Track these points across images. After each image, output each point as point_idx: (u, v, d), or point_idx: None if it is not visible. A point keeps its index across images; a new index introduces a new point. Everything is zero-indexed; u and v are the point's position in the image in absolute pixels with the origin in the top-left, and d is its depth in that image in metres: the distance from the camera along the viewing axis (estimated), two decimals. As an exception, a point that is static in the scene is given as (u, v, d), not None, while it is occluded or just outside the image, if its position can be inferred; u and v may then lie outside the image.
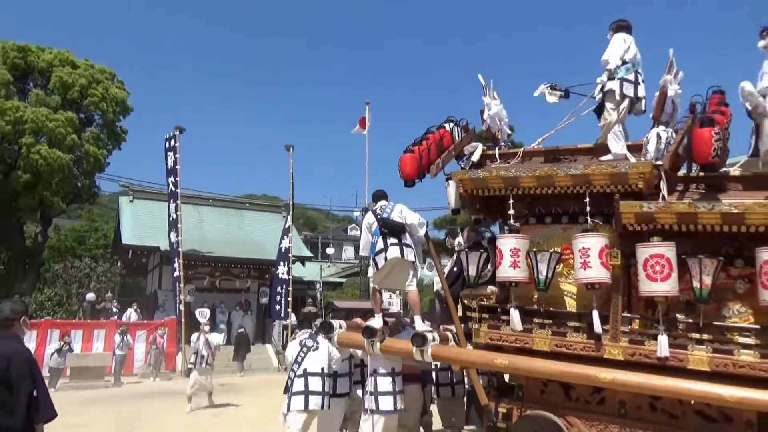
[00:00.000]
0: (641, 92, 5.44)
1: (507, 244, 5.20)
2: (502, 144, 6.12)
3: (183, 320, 17.68)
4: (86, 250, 31.21)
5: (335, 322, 6.22)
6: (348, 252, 46.21)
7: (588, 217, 5.02)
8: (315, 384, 5.62)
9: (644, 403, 4.74)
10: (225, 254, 21.89)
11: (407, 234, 5.88)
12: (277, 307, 19.45)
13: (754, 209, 4.23)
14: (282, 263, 19.64)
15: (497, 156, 5.95)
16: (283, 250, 19.75)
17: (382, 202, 6.05)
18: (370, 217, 6.05)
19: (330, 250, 36.80)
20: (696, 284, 4.38)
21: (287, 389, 5.80)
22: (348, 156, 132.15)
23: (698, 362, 4.38)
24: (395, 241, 5.76)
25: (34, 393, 3.40)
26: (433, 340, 5.43)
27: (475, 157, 6.08)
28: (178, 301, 18.18)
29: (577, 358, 4.85)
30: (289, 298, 19.08)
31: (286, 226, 20.19)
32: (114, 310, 19.63)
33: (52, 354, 14.71)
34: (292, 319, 19.35)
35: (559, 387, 5.18)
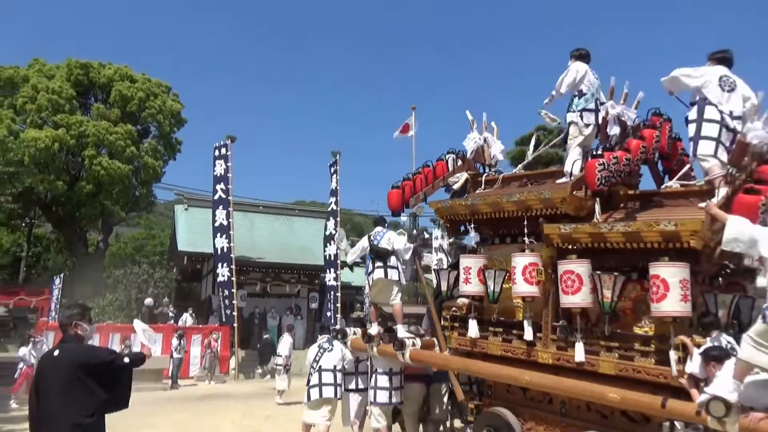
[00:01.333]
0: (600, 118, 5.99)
1: (463, 263, 6.14)
2: (492, 171, 6.89)
3: (236, 325, 18.13)
4: (144, 256, 32.45)
5: (349, 330, 7.59)
6: (396, 257, 46.09)
7: (525, 238, 5.72)
8: (328, 378, 6.97)
9: (582, 404, 5.24)
10: (275, 260, 22.31)
11: (394, 257, 6.90)
12: (328, 313, 19.68)
13: (644, 228, 4.78)
14: (330, 269, 19.85)
15: (483, 182, 6.80)
16: (330, 257, 19.93)
17: (378, 228, 7.15)
18: (365, 241, 7.16)
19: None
20: (600, 297, 4.91)
21: (308, 383, 7.15)
22: (395, 161, 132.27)
23: (606, 367, 4.86)
24: (381, 264, 6.84)
25: (116, 382, 3.80)
26: (413, 345, 6.45)
27: (457, 186, 7.08)
28: (223, 305, 18.61)
29: (518, 362, 5.56)
30: (338, 304, 19.25)
31: (327, 233, 20.36)
32: (171, 314, 20.32)
33: (114, 357, 15.34)
34: (343, 324, 19.53)
35: (518, 387, 5.73)
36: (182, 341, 16.43)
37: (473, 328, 6.02)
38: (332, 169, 20.73)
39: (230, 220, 19.26)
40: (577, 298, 5.05)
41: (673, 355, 4.42)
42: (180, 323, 19.19)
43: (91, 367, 3.68)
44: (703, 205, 4.70)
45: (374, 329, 6.97)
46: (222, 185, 19.65)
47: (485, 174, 6.92)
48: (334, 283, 19.50)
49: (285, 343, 13.05)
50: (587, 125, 6.02)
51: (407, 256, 7.16)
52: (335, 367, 7.06)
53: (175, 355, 16.05)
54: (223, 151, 19.89)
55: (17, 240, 31.86)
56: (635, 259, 4.98)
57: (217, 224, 19.44)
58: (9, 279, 30.55)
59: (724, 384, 3.72)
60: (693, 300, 4.55)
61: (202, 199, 26.46)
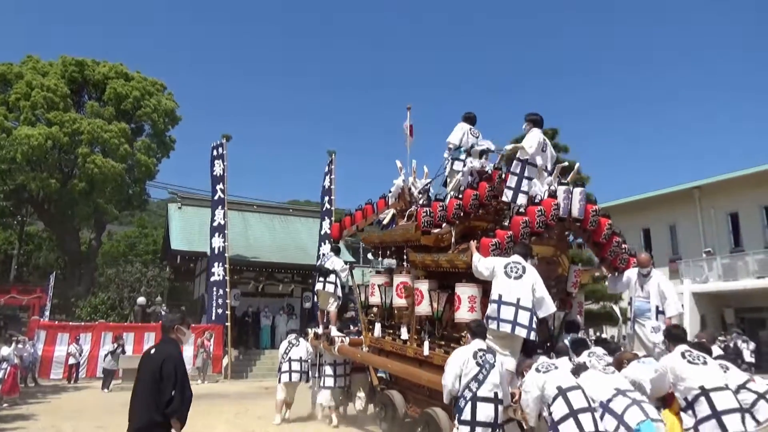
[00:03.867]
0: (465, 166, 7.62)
1: (371, 280, 8.51)
2: (415, 207, 8.09)
3: (229, 324, 18.10)
4: (137, 255, 32.34)
5: (311, 331, 10.30)
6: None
7: (404, 263, 7.83)
8: (295, 366, 9.36)
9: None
10: (269, 259, 22.28)
11: (333, 275, 9.44)
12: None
13: (455, 257, 6.55)
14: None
15: (406, 216, 8.32)
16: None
17: (327, 250, 10.14)
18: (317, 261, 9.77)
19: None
20: (434, 306, 6.78)
21: (280, 370, 9.52)
22: (390, 160, 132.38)
23: (438, 359, 6.42)
24: (322, 279, 9.51)
25: (173, 393, 3.94)
26: (341, 342, 8.83)
27: (386, 220, 8.85)
28: (216, 305, 18.58)
29: (399, 356, 7.49)
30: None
31: (323, 232, 20.34)
32: (163, 313, 20.24)
33: (106, 355, 15.27)
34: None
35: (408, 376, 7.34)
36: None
37: (377, 330, 8.21)
38: (327, 168, 20.72)
39: (225, 219, 19.24)
40: (421, 309, 6.92)
41: None
42: (173, 322, 19.11)
43: (167, 374, 4.00)
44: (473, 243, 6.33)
45: (321, 330, 9.62)
46: (221, 185, 19.67)
47: (408, 210, 8.37)
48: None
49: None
50: (455, 172, 7.80)
51: (343, 275, 9.56)
52: (301, 358, 9.44)
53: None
54: (220, 150, 19.87)
55: (9, 238, 31.66)
56: (458, 279, 6.53)
57: (215, 224, 19.44)
58: (0, 277, 30.35)
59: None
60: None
61: (196, 197, 26.39)
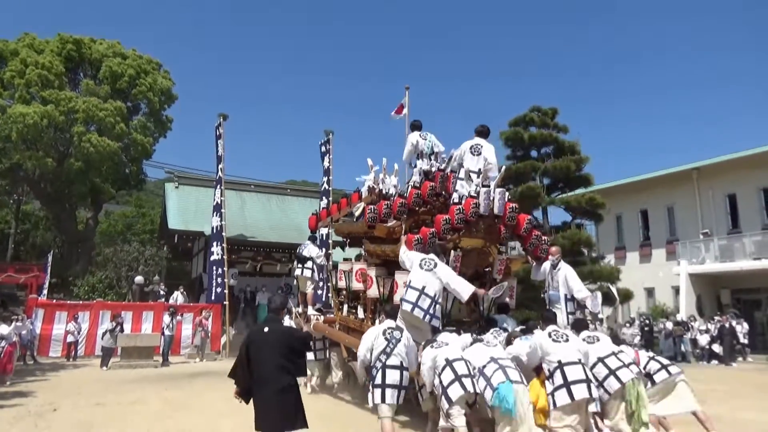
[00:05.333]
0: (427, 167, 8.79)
1: (339, 267, 9.90)
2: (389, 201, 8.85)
3: (227, 303, 18.15)
4: (134, 234, 32.26)
5: (293, 309, 10.99)
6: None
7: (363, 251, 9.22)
8: None
9: None
10: (267, 239, 22.26)
11: (310, 262, 10.50)
12: (319, 291, 19.71)
13: (390, 249, 7.87)
14: (322, 249, 19.80)
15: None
16: (322, 236, 19.88)
17: (307, 242, 10.85)
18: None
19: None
20: (380, 290, 8.03)
21: None
22: (386, 141, 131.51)
23: None
24: (300, 265, 10.63)
25: (299, 360, 4.81)
26: (316, 319, 9.87)
27: (357, 213, 9.87)
28: (215, 284, 18.61)
29: (358, 332, 8.07)
30: (329, 283, 19.23)
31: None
32: (161, 292, 20.27)
33: (104, 334, 15.29)
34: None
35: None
36: (173, 319, 16.42)
37: (344, 310, 9.43)
38: (324, 149, 20.62)
39: (223, 198, 19.19)
40: (371, 292, 8.21)
41: None
42: (171, 301, 19.16)
43: (291, 345, 4.78)
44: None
45: (300, 309, 10.80)
46: (221, 165, 19.61)
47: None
48: (325, 263, 19.47)
49: None
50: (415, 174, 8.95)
51: (319, 261, 10.72)
52: None
53: (166, 332, 16.05)
54: (219, 130, 19.75)
55: (5, 217, 31.53)
56: (399, 267, 7.40)
57: (215, 203, 19.42)
58: (-3, 256, 30.29)
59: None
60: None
61: (193, 177, 26.28)
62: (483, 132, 8.38)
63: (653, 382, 6.34)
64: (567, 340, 5.64)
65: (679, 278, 22.10)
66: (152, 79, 24.81)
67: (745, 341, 19.00)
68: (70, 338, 16.30)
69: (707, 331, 19.24)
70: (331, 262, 14.03)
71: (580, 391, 5.27)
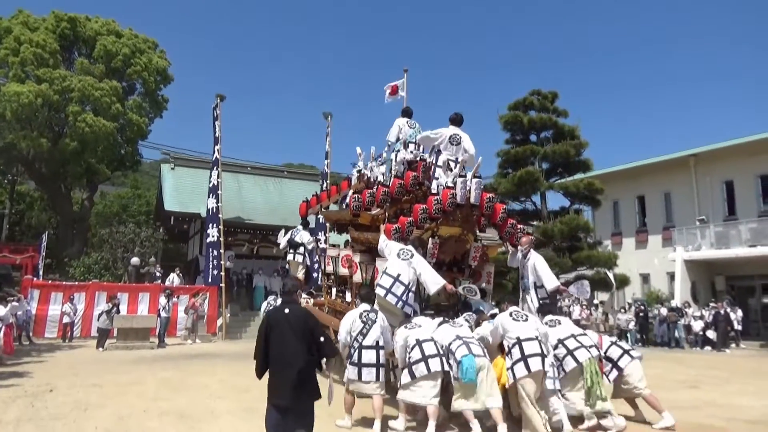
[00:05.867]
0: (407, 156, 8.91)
1: (327, 252, 10.11)
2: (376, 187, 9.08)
3: (223, 285, 18.13)
4: (130, 216, 32.11)
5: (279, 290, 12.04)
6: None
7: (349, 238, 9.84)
8: None
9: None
10: (263, 221, 22.18)
11: (302, 247, 11.00)
12: (315, 274, 19.72)
13: (372, 237, 8.15)
14: (320, 232, 19.79)
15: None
16: (319, 220, 19.84)
17: (299, 227, 11.33)
18: (289, 235, 11.36)
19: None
20: (363, 275, 8.62)
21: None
22: (385, 122, 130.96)
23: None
24: (292, 251, 11.20)
25: (321, 339, 4.97)
26: (306, 302, 10.13)
27: (347, 200, 9.91)
28: (210, 266, 18.58)
29: (344, 315, 7.67)
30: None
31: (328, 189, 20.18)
32: (158, 274, 20.22)
33: (100, 315, 15.25)
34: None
35: None
36: (170, 300, 16.40)
37: (333, 293, 9.74)
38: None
39: (219, 180, 19.09)
40: (356, 277, 8.73)
41: None
42: (167, 283, 19.13)
43: (311, 327, 4.97)
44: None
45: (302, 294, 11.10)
46: (218, 146, 19.46)
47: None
48: (323, 246, 19.45)
49: None
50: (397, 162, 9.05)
51: (310, 247, 11.20)
52: None
53: (163, 314, 16.03)
54: (217, 111, 19.56)
55: None
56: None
57: (211, 185, 19.30)
58: (-8, 236, 30.14)
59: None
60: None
61: (189, 158, 26.11)
62: (458, 120, 8.65)
63: (618, 369, 6.86)
64: (526, 320, 6.21)
65: (675, 264, 22.18)
66: (147, 59, 24.53)
67: (739, 328, 19.15)
68: (66, 319, 16.28)
69: (701, 317, 19.36)
70: (328, 245, 14.22)
71: (535, 364, 5.77)
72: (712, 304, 19.56)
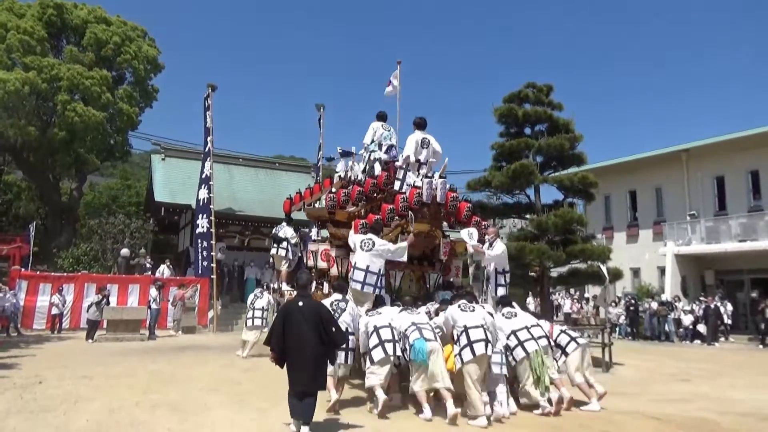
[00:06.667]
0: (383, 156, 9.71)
1: (309, 247, 10.57)
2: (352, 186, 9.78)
3: (214, 277, 18.00)
4: (120, 207, 31.79)
5: (272, 285, 12.65)
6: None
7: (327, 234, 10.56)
8: (258, 314, 11.84)
9: None
10: (255, 213, 22.05)
11: (285, 242, 11.47)
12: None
13: (345, 233, 8.81)
14: (312, 227, 19.68)
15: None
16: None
17: (283, 223, 11.81)
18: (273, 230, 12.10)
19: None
20: (339, 269, 9.47)
21: (246, 317, 12.15)
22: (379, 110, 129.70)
23: None
24: (275, 245, 11.65)
25: (333, 329, 5.51)
26: (290, 294, 10.05)
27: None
28: (201, 257, 18.44)
29: None
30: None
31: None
32: (148, 265, 20.05)
33: (90, 306, 15.09)
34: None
35: None
36: (160, 292, 16.25)
37: (313, 286, 9.51)
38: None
39: (211, 171, 18.92)
40: (333, 271, 9.54)
41: None
42: (157, 275, 18.97)
43: (324, 318, 5.51)
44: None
45: (276, 285, 12.06)
46: (210, 137, 19.26)
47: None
48: (316, 238, 19.35)
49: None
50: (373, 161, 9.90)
51: (293, 242, 11.63)
52: (263, 307, 11.92)
53: (153, 306, 15.89)
54: (208, 101, 19.36)
55: (-14, 187, 30.85)
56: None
57: (203, 176, 19.12)
58: (-21, 227, 29.71)
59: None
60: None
61: (180, 149, 25.89)
62: (423, 124, 9.42)
63: (565, 354, 7.47)
64: (473, 311, 6.70)
65: (665, 259, 22.31)
66: (137, 47, 24.21)
67: (729, 322, 19.31)
68: (54, 310, 16.11)
69: (691, 311, 19.50)
70: (320, 237, 14.26)
71: (479, 348, 6.28)
72: (701, 298, 19.71)
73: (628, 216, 26.65)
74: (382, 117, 10.38)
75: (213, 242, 18.34)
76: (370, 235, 8.05)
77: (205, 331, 17.33)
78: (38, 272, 17.81)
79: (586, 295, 24.27)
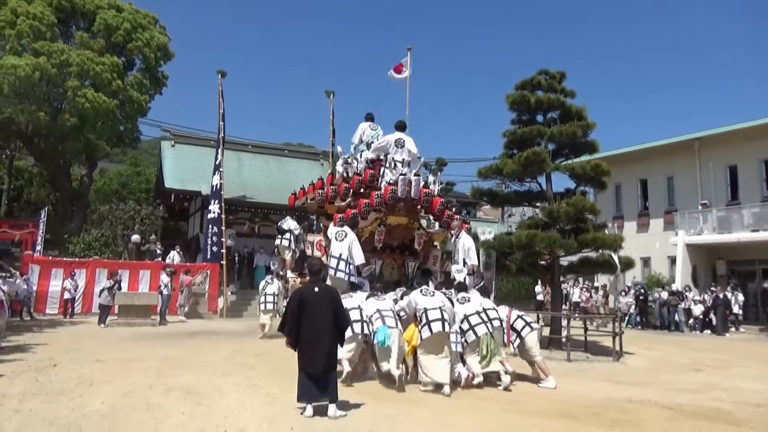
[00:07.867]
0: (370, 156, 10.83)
1: (309, 238, 11.37)
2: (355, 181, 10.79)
3: (224, 263, 18.06)
4: (130, 193, 31.90)
5: (281, 272, 13.45)
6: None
7: (322, 226, 11.13)
8: (270, 299, 12.77)
9: None
10: (264, 200, 22.07)
11: (289, 233, 12.64)
12: (317, 252, 19.71)
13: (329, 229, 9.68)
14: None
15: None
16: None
17: (287, 216, 13.17)
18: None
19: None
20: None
21: (259, 302, 13.33)
22: (390, 103, 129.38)
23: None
24: (279, 236, 12.91)
25: (341, 312, 5.90)
26: (294, 281, 11.49)
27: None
28: (211, 242, 18.51)
29: None
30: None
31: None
32: (158, 252, 20.13)
33: (102, 291, 15.21)
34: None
35: None
36: (172, 279, 16.33)
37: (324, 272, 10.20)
38: (330, 110, 20.39)
39: (222, 157, 18.98)
40: (325, 259, 9.50)
41: None
42: (167, 261, 19.05)
43: (336, 301, 5.91)
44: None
45: (290, 274, 12.46)
46: (222, 123, 19.37)
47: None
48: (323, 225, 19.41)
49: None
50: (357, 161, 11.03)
51: (297, 233, 12.64)
52: (274, 293, 12.83)
53: (164, 291, 15.96)
54: (220, 88, 19.40)
55: (-2, 172, 31.04)
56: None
57: (217, 162, 19.26)
58: (-9, 212, 29.94)
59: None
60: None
61: (189, 136, 25.90)
62: (401, 126, 10.41)
63: (521, 337, 8.27)
64: (433, 295, 7.61)
65: (676, 248, 22.17)
66: (149, 35, 24.12)
67: (739, 312, 19.19)
68: (66, 295, 16.24)
69: (702, 301, 19.39)
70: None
71: (436, 326, 7.15)
72: (713, 288, 19.59)
73: (638, 205, 26.47)
74: (370, 117, 11.44)
75: (223, 228, 18.39)
76: (345, 228, 9.17)
77: (215, 317, 17.43)
78: (50, 257, 17.94)
79: (596, 284, 24.19)
